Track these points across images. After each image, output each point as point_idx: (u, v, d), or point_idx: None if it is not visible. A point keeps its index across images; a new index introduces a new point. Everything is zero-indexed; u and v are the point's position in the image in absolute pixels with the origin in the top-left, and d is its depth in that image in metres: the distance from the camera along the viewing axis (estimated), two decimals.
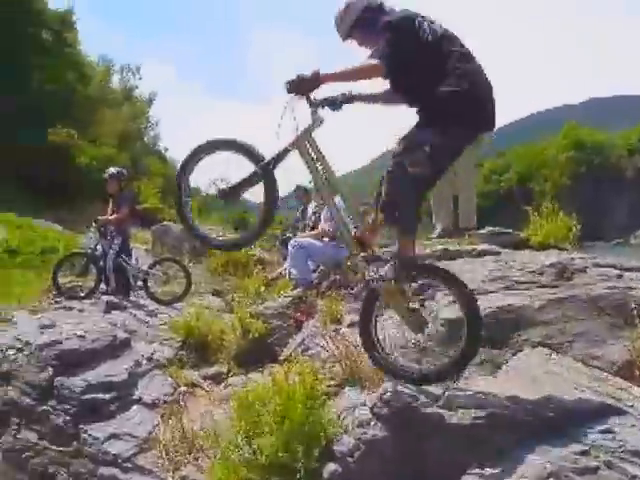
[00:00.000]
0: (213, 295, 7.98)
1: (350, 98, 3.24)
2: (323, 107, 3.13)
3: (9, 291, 7.81)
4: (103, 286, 6.93)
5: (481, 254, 5.39)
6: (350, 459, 2.97)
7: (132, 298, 6.95)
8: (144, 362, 5.06)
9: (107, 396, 4.36)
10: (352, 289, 5.77)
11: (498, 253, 5.33)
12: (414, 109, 3.19)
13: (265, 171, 3.08)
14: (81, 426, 4.15)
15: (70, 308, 6.10)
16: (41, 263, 10.44)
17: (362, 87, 3.33)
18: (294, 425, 3.01)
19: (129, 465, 3.99)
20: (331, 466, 2.97)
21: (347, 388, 3.61)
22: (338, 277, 6.16)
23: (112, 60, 35.54)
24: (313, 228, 7.14)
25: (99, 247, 7.03)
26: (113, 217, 7.03)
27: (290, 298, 6.35)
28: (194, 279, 8.46)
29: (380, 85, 3.26)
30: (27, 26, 24.34)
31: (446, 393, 2.99)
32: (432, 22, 3.07)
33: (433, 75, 2.97)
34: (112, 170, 7.48)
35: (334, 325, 5.24)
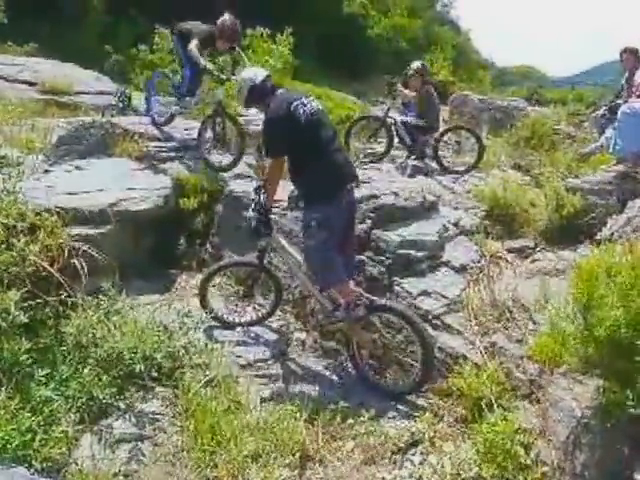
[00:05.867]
0: (514, 169, 7.46)
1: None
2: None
3: None
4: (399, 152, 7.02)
5: None
6: None
7: (430, 163, 6.88)
8: (450, 227, 5.03)
9: (419, 254, 4.46)
10: None
11: None
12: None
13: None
14: (395, 279, 4.36)
15: (376, 169, 6.36)
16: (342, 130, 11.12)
17: None
18: None
19: (438, 323, 4.10)
20: None
21: None
22: None
23: None
24: None
25: (391, 114, 7.05)
26: (413, 94, 6.86)
27: (614, 173, 5.57)
28: (493, 151, 8.02)
29: None
30: None
31: None
32: (306, 105, 3.66)
33: (305, 160, 3.67)
34: (415, 66, 7.09)
35: None
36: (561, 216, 5.15)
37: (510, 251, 5.06)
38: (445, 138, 7.29)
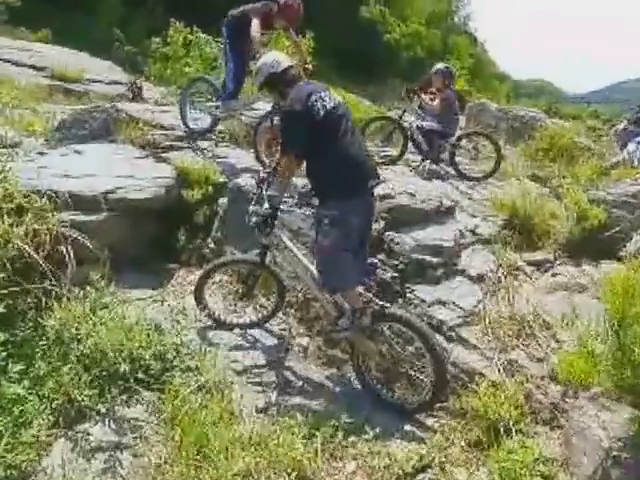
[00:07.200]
0: (531, 179, 7.14)
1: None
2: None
3: None
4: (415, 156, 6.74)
5: None
6: None
7: (445, 168, 6.59)
8: (467, 234, 4.73)
9: (434, 260, 4.16)
10: None
11: None
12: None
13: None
14: (408, 285, 4.06)
15: (391, 170, 6.07)
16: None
17: None
18: None
19: (453, 335, 3.79)
20: None
21: None
22: None
23: None
24: None
25: (406, 117, 6.78)
26: (435, 103, 6.58)
27: (639, 187, 5.28)
28: (511, 161, 7.73)
29: None
30: None
31: None
32: (325, 98, 3.47)
33: (323, 152, 3.41)
34: (439, 66, 6.91)
35: None
36: (583, 229, 4.87)
37: (529, 263, 4.77)
38: (462, 144, 7.00)
